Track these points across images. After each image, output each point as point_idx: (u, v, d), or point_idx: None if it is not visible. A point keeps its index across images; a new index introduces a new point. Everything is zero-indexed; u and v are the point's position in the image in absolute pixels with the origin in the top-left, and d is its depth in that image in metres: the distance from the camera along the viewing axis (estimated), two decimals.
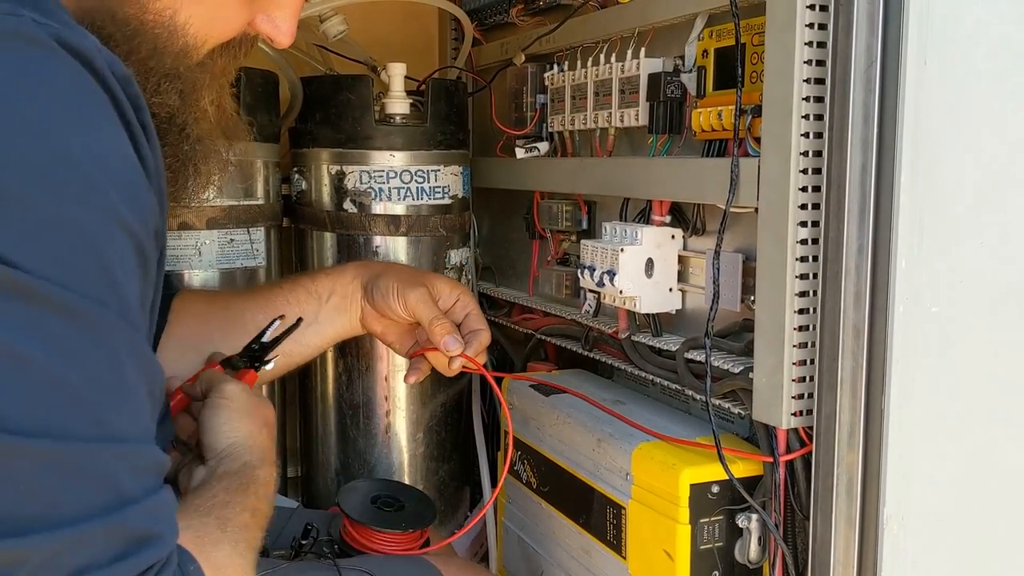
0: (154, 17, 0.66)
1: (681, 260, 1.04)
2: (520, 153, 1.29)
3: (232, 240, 1.24)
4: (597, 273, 1.04)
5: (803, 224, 0.83)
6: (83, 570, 0.50)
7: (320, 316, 1.01)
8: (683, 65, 1.03)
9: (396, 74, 1.29)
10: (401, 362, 1.32)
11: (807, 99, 0.82)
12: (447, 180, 1.32)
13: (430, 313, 0.98)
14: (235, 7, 0.71)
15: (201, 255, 1.21)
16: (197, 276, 1.21)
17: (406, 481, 1.34)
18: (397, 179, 1.29)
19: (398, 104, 1.29)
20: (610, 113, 1.10)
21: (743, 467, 0.91)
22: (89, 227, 0.53)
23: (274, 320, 0.93)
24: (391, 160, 1.29)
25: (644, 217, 1.07)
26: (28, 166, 0.51)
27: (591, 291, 1.12)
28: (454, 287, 1.03)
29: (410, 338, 1.06)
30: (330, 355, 1.34)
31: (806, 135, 0.82)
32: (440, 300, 1.01)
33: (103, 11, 0.65)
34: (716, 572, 0.92)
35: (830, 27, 0.79)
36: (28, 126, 0.51)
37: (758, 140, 0.87)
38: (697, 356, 0.97)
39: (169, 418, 0.84)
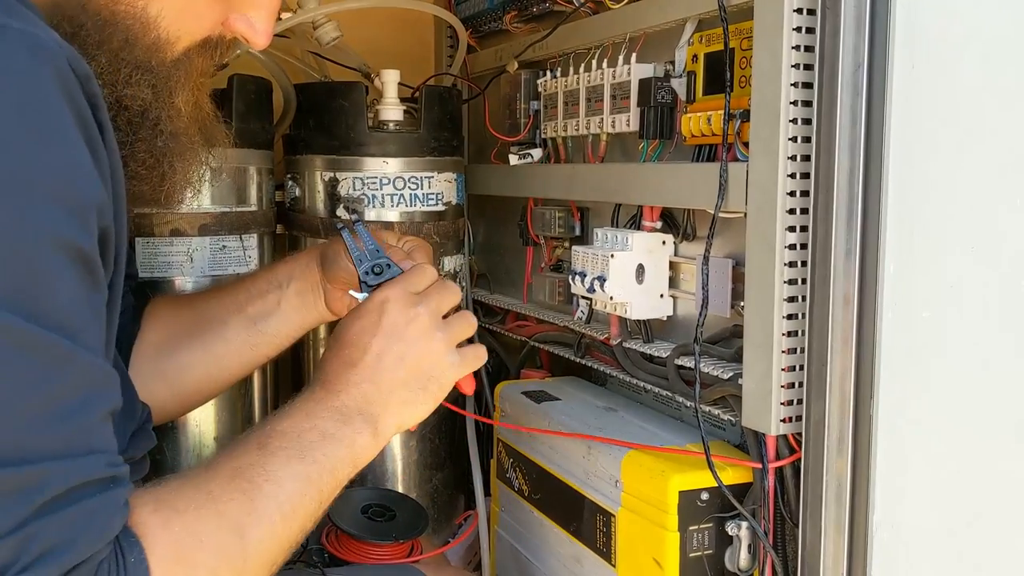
0: (125, 8, 0.67)
1: (672, 266, 1.03)
2: (514, 160, 1.29)
3: (224, 247, 1.24)
4: (588, 279, 1.04)
5: (791, 229, 0.82)
6: None
7: (282, 303, 0.99)
8: (674, 70, 1.03)
9: (390, 81, 1.29)
10: None
11: (795, 103, 0.81)
12: (441, 187, 1.32)
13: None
14: (207, 3, 0.71)
15: (193, 262, 1.21)
16: (188, 283, 1.21)
17: (399, 489, 1.33)
18: (390, 186, 1.29)
19: (392, 111, 1.29)
20: (602, 119, 1.10)
21: (733, 474, 0.90)
22: (16, 240, 0.53)
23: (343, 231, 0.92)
24: (384, 167, 1.29)
25: (635, 223, 1.07)
26: None
27: (583, 297, 1.11)
28: (401, 236, 1.01)
29: None
30: None
31: (794, 139, 0.81)
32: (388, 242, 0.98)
33: (74, 1, 0.65)
34: None
35: (817, 31, 0.79)
36: None
37: (747, 144, 0.87)
38: (687, 362, 0.97)
39: (150, 426, 0.84)
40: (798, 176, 0.82)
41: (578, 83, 1.14)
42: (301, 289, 0.99)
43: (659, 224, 1.04)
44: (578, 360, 1.19)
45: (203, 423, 1.24)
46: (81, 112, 0.56)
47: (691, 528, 0.90)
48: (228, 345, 0.97)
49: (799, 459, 0.84)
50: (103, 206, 0.58)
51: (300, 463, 0.71)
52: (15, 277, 0.53)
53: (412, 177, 1.30)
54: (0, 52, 0.53)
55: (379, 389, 0.79)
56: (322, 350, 1.31)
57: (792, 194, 0.82)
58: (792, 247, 0.82)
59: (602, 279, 1.01)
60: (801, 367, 0.83)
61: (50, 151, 0.55)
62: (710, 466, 0.88)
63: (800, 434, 0.83)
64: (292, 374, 1.40)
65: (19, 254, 0.53)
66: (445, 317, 0.85)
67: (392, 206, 1.29)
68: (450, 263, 1.35)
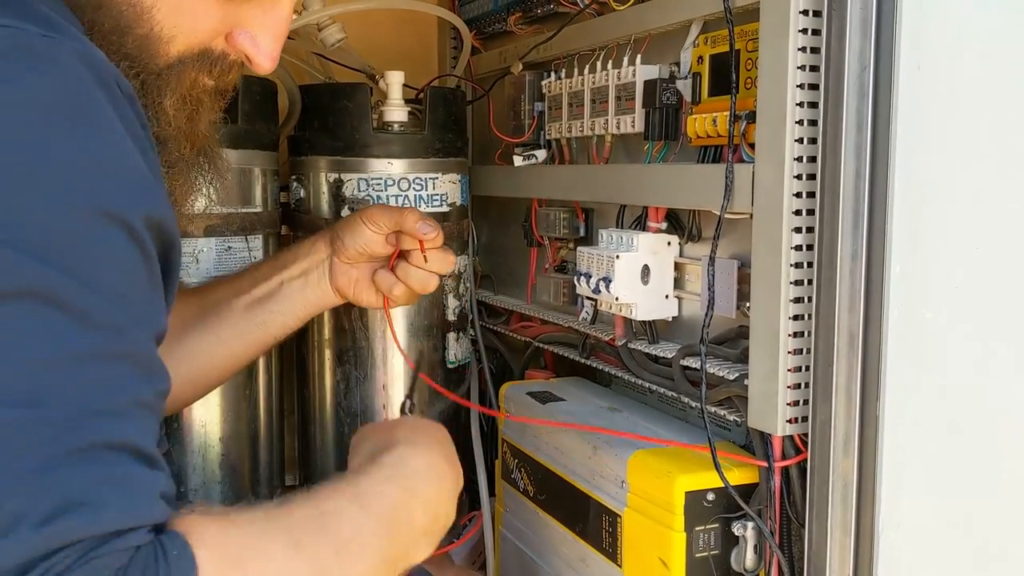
0: None
1: (677, 267, 1.04)
2: (518, 161, 1.29)
3: (230, 248, 1.24)
4: (593, 280, 1.04)
5: (797, 230, 0.83)
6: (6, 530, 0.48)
7: (284, 285, 1.00)
8: (679, 72, 1.03)
9: (394, 82, 1.29)
10: (399, 371, 1.32)
11: (801, 104, 0.81)
12: (445, 188, 1.32)
13: (396, 212, 0.99)
14: (205, 3, 0.69)
15: (198, 263, 1.21)
16: (194, 283, 1.21)
17: None
18: (395, 187, 1.29)
19: (396, 112, 1.29)
20: (607, 120, 1.10)
21: (739, 474, 0.90)
22: (67, 219, 0.53)
23: None
24: (389, 168, 1.29)
25: (640, 224, 1.07)
26: (13, 172, 0.52)
27: (588, 298, 1.12)
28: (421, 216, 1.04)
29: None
30: (328, 363, 1.34)
31: (800, 141, 0.82)
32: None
33: None
34: None
35: (823, 33, 0.79)
36: (19, 135, 0.53)
37: (753, 146, 0.87)
38: (693, 363, 0.97)
39: (162, 431, 0.84)
40: (804, 177, 0.82)
41: (583, 84, 1.15)
42: (306, 268, 1.01)
43: (664, 225, 1.04)
44: (583, 361, 1.19)
45: (209, 424, 1.24)
46: (131, 127, 0.57)
47: (697, 528, 0.90)
48: (234, 328, 0.99)
49: (805, 459, 0.84)
50: (163, 213, 0.59)
51: (387, 540, 0.68)
52: (69, 244, 0.53)
53: (417, 178, 1.30)
54: (54, 60, 0.54)
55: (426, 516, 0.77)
56: (327, 351, 1.33)
57: (798, 195, 0.82)
58: (798, 248, 0.83)
59: (607, 280, 1.02)
60: (807, 368, 0.83)
61: (100, 145, 0.55)
62: (717, 467, 0.88)
63: (806, 435, 0.84)
64: (297, 375, 1.41)
65: (74, 226, 0.54)
66: None
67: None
68: (454, 264, 1.36)
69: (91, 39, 0.63)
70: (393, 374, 1.32)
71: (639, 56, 1.06)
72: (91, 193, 0.55)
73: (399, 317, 1.31)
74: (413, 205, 1.30)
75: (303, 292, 1.01)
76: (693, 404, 1.00)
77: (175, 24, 0.68)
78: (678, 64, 1.03)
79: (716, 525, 0.91)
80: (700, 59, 0.98)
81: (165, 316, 0.61)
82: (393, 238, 1.03)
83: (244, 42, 0.73)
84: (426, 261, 1.03)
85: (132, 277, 0.56)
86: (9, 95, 0.53)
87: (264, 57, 0.74)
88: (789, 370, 0.84)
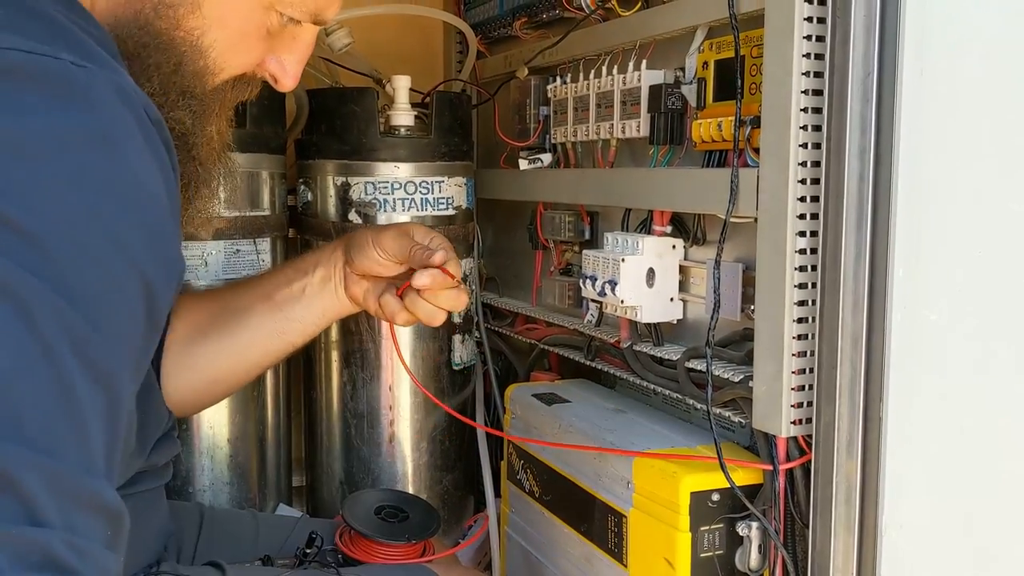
0: (184, 34, 0.69)
1: (682, 270, 1.05)
2: (523, 164, 1.30)
3: (238, 251, 1.25)
4: (599, 283, 1.05)
5: (802, 234, 0.84)
6: None
7: (307, 290, 1.00)
8: (684, 77, 1.04)
9: (401, 86, 1.31)
10: (405, 373, 1.33)
11: (805, 110, 0.82)
12: (451, 191, 1.33)
13: (408, 244, 0.97)
14: (254, 40, 0.73)
15: (207, 266, 1.22)
16: (203, 286, 1.22)
17: (410, 491, 1.34)
18: (401, 190, 1.30)
19: (403, 116, 1.31)
20: (612, 124, 1.11)
21: (743, 475, 0.91)
22: (99, 264, 0.53)
23: None
24: (396, 171, 1.30)
25: (645, 227, 1.08)
26: (60, 214, 0.51)
27: (593, 301, 1.13)
28: (428, 231, 1.00)
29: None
30: (335, 364, 1.35)
31: (804, 145, 0.83)
32: (415, 237, 0.99)
33: (139, 22, 0.67)
34: None
35: (827, 39, 0.80)
36: (61, 173, 0.52)
37: (757, 151, 0.88)
38: (698, 365, 0.98)
39: (175, 433, 0.85)
40: (808, 182, 0.83)
41: (588, 89, 1.16)
42: (325, 276, 1.01)
43: (669, 228, 1.05)
44: (588, 363, 1.20)
45: (216, 425, 1.25)
46: (159, 153, 0.58)
47: (702, 528, 0.91)
48: (254, 333, 0.99)
49: (809, 460, 0.85)
50: (175, 252, 0.60)
51: None
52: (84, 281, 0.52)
53: (423, 182, 1.31)
54: (86, 93, 0.55)
55: None
56: (334, 352, 1.34)
57: (802, 199, 0.83)
58: (802, 251, 0.84)
59: (613, 283, 1.03)
60: (811, 370, 0.84)
61: (134, 182, 0.56)
62: (723, 468, 0.89)
63: (810, 436, 0.85)
64: (304, 375, 1.42)
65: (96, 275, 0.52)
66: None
67: (403, 210, 1.30)
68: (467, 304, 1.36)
69: (153, 78, 0.67)
70: (399, 376, 1.33)
71: (644, 61, 1.07)
72: (125, 245, 0.54)
73: None
74: (419, 208, 1.31)
75: (323, 299, 1.01)
76: (698, 406, 1.01)
77: (227, 59, 0.73)
78: (683, 69, 1.04)
79: (721, 525, 0.92)
80: (705, 64, 0.99)
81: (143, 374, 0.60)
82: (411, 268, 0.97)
83: (273, 66, 0.77)
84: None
85: (124, 317, 0.54)
86: (42, 125, 0.52)
87: (289, 79, 0.78)
88: (793, 372, 0.85)
